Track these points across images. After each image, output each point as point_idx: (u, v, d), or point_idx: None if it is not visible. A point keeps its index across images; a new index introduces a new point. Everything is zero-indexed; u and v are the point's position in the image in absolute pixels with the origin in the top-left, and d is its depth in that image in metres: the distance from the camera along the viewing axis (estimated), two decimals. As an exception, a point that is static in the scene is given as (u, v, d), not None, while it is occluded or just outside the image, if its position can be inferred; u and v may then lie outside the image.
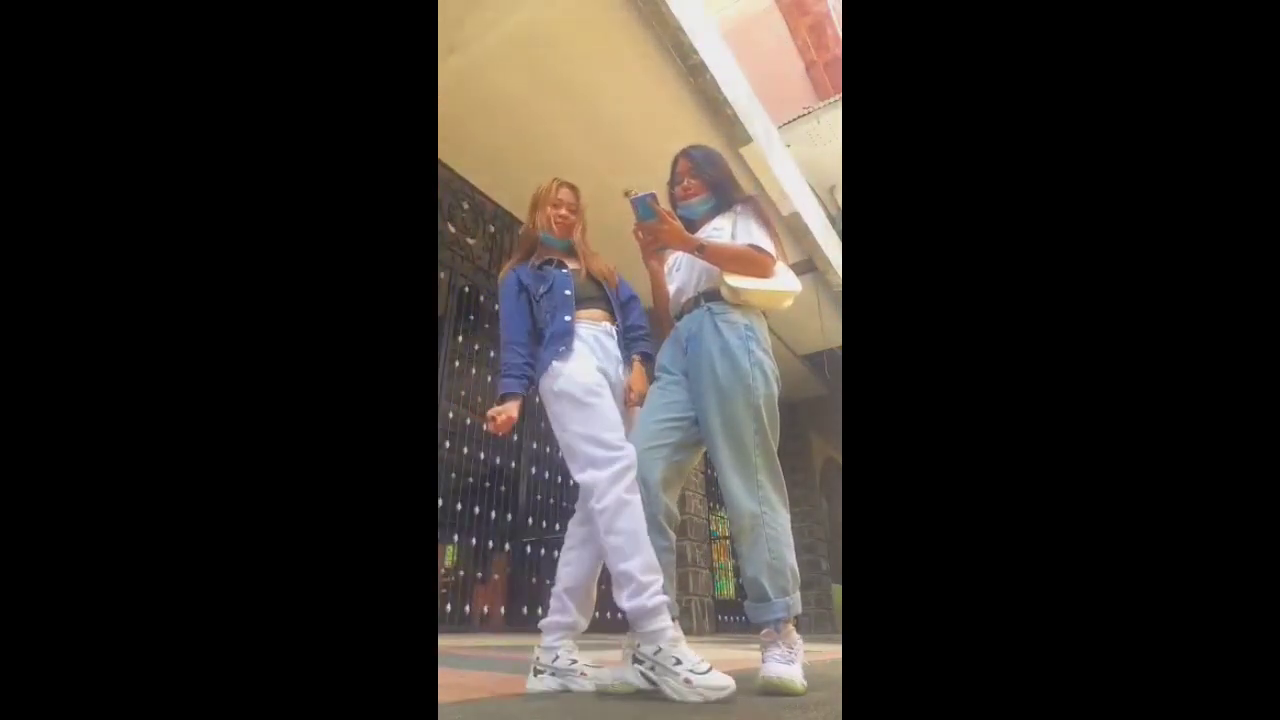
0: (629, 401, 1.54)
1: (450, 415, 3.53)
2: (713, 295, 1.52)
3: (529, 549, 3.71)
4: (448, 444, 3.43)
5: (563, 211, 1.64)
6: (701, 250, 1.48)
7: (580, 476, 1.37)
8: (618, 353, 1.57)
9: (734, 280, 1.47)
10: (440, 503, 3.23)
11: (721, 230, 1.57)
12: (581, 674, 1.39)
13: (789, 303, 1.56)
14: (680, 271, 1.62)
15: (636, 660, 1.26)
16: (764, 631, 1.38)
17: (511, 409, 1.46)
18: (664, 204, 1.54)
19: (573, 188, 1.68)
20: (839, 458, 7.77)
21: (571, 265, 1.62)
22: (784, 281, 1.53)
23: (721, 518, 5.74)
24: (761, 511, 1.39)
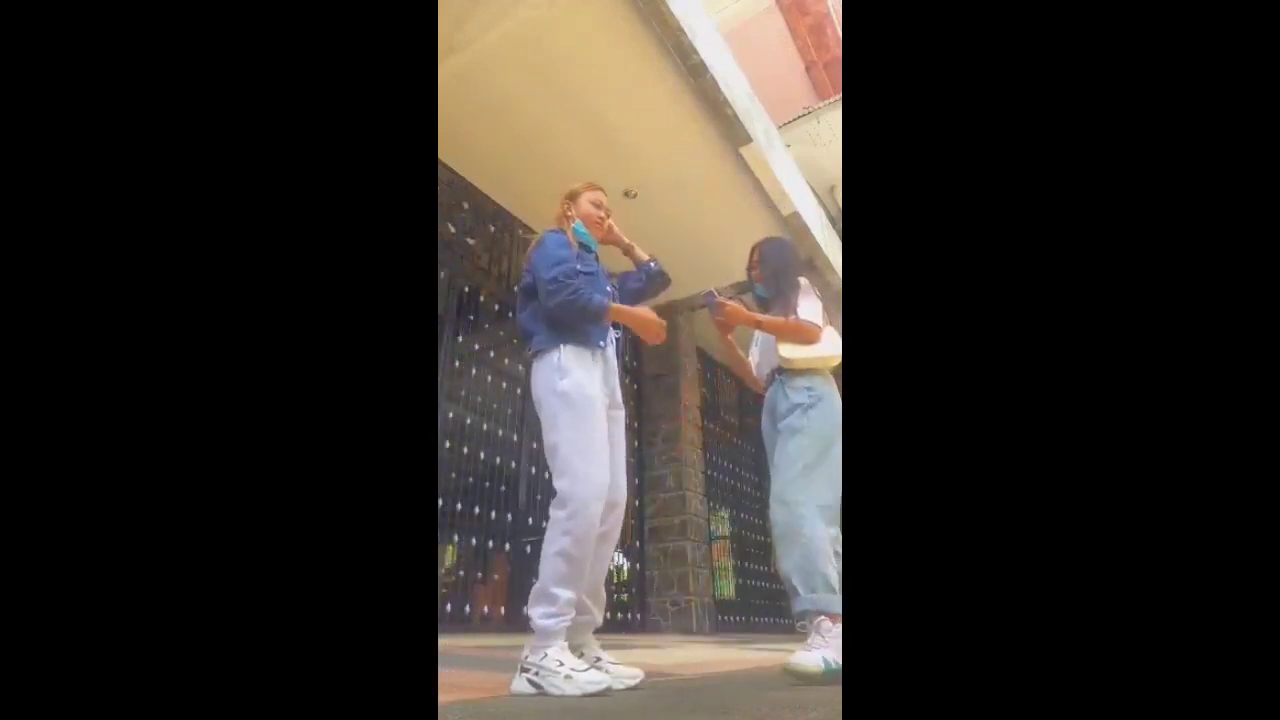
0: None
1: (450, 415, 3.53)
2: (781, 369, 1.88)
3: (529, 549, 3.71)
4: (448, 444, 3.42)
5: (602, 213, 1.76)
6: (760, 324, 1.87)
7: (558, 483, 1.45)
8: (616, 363, 1.68)
9: (785, 350, 1.84)
10: (440, 503, 3.23)
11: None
12: (606, 671, 1.39)
13: (835, 364, 1.88)
14: (756, 348, 2.03)
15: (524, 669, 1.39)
16: (799, 625, 1.65)
17: (643, 311, 1.59)
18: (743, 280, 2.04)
19: (604, 192, 1.81)
20: (839, 458, 7.74)
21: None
22: (828, 347, 1.87)
23: (721, 518, 5.75)
24: (800, 529, 1.63)
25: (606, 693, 1.26)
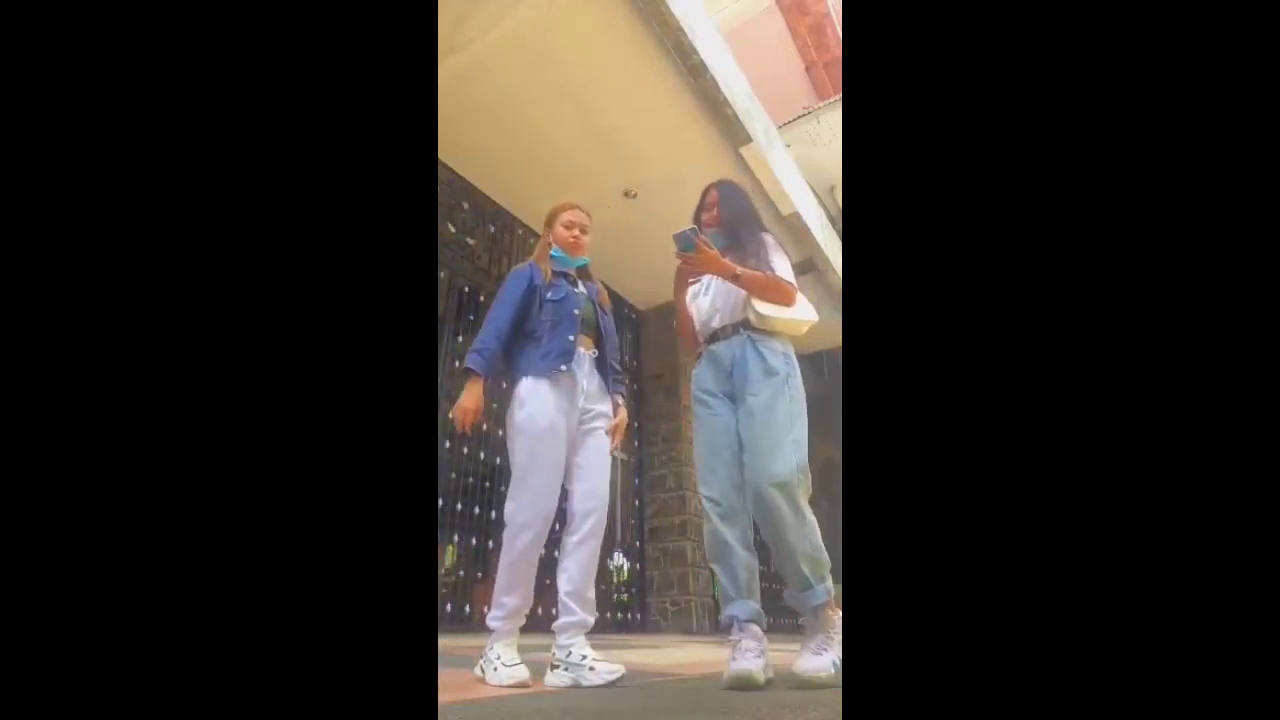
0: (613, 442, 1.74)
1: (450, 415, 3.52)
2: (749, 324, 1.69)
3: (529, 549, 3.70)
4: (448, 444, 3.42)
5: (575, 233, 1.78)
6: (737, 278, 1.65)
7: (508, 505, 1.58)
8: (594, 380, 1.72)
9: (761, 307, 1.67)
10: (440, 503, 3.23)
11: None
12: (590, 669, 1.47)
13: (805, 330, 1.74)
14: (708, 297, 1.79)
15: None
16: (801, 620, 1.54)
17: (474, 397, 1.61)
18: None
19: (585, 211, 1.83)
20: (838, 458, 7.75)
21: (579, 289, 1.76)
22: (803, 311, 1.73)
23: (721, 518, 5.74)
24: (802, 511, 1.54)
25: (523, 685, 1.43)
